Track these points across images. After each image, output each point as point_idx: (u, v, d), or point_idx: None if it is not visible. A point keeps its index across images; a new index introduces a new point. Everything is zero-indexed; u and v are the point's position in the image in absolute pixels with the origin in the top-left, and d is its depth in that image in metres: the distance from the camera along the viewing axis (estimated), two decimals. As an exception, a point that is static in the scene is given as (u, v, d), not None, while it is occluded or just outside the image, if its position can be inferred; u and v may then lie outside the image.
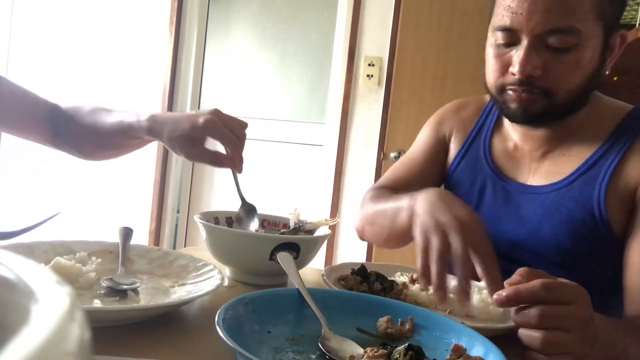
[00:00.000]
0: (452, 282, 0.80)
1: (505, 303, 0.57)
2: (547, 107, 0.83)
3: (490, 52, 0.86)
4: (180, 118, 0.80)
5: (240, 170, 0.85)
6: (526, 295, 0.56)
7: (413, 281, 0.83)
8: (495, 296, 0.58)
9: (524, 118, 0.85)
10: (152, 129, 0.81)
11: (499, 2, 0.82)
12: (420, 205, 0.72)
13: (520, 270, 0.60)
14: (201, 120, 0.78)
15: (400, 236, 0.79)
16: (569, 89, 0.81)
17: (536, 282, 0.56)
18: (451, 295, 0.76)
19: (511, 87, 0.83)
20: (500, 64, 0.84)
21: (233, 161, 0.83)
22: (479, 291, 0.77)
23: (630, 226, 0.81)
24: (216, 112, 0.80)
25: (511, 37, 0.81)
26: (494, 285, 0.62)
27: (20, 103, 0.88)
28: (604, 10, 0.79)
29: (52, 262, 0.64)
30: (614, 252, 0.83)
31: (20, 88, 0.89)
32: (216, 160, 0.82)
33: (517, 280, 0.58)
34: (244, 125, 0.83)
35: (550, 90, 0.81)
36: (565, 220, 0.85)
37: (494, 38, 0.84)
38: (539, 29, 0.78)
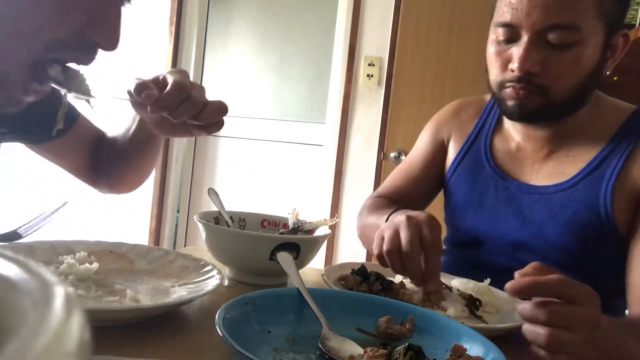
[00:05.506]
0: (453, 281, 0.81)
1: (518, 292, 0.56)
2: (543, 105, 0.83)
3: (491, 50, 0.86)
4: None
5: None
6: (543, 288, 0.55)
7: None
8: (508, 284, 0.56)
9: (521, 115, 0.86)
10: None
11: None
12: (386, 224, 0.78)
13: (534, 264, 0.59)
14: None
15: None
16: (567, 87, 0.82)
17: (554, 277, 0.55)
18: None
19: (510, 83, 0.83)
20: (500, 61, 0.85)
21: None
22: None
23: (634, 226, 0.81)
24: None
25: (511, 33, 0.81)
26: (430, 281, 0.70)
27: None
28: (607, 8, 0.79)
29: (64, 266, 0.64)
30: (619, 253, 0.83)
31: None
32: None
33: (529, 273, 0.57)
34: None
35: (547, 88, 0.82)
36: (570, 222, 0.85)
37: (495, 35, 0.85)
38: (539, 24, 0.78)
